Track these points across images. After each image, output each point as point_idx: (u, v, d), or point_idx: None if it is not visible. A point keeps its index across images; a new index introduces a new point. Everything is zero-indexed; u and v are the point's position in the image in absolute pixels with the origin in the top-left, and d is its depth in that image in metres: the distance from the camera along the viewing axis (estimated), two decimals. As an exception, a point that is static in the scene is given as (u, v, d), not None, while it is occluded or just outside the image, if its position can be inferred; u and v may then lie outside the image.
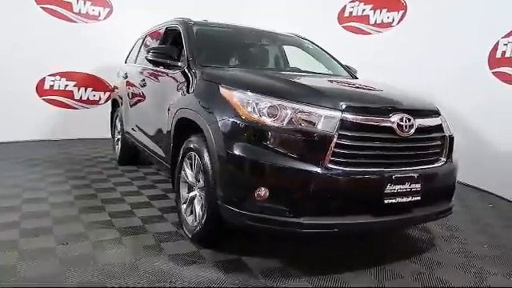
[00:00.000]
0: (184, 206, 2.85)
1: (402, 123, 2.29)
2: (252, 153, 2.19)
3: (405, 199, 2.31)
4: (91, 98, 6.96)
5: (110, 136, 6.47)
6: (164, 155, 3.27)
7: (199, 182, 2.67)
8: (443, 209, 2.58)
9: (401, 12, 6.01)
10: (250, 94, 2.32)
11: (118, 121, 5.11)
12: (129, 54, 5.33)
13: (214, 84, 2.61)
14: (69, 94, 6.74)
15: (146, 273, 2.25)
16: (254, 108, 2.25)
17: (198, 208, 2.65)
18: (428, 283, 2.33)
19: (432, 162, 2.49)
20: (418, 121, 2.38)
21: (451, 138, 2.60)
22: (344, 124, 2.17)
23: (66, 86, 6.72)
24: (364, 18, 6.45)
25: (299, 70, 3.70)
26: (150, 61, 3.24)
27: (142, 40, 4.84)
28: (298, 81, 2.87)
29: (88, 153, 5.67)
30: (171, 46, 3.24)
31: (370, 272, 2.42)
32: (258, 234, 2.77)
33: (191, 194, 2.78)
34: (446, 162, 2.56)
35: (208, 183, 2.44)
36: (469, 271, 2.52)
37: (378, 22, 6.29)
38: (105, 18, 6.92)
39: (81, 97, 6.88)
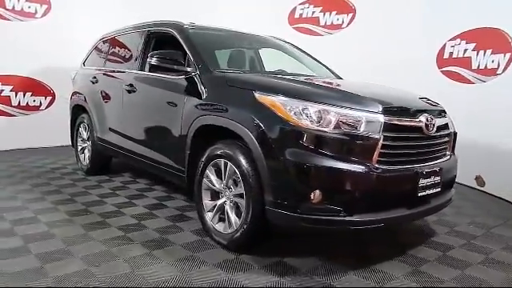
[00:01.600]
0: (209, 214, 2.82)
1: (428, 123, 2.54)
2: (305, 157, 2.26)
3: (431, 191, 2.57)
4: (31, 104, 6.38)
5: (59, 144, 6.05)
6: (175, 164, 3.17)
7: (230, 188, 2.67)
8: (450, 197, 2.90)
9: (350, 14, 6.42)
10: (294, 100, 2.38)
11: (82, 129, 4.77)
12: (87, 56, 4.99)
13: (245, 90, 2.62)
14: (5, 100, 6.08)
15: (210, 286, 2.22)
16: (300, 113, 2.32)
17: (232, 215, 2.65)
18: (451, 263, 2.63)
19: (444, 156, 2.79)
20: (437, 120, 2.65)
21: (455, 134, 2.93)
22: (386, 126, 2.35)
23: (2, 90, 6.06)
24: (314, 20, 6.76)
25: (296, 73, 3.78)
26: (153, 66, 3.10)
27: (107, 43, 4.57)
28: (330, 86, 2.97)
29: (43, 164, 5.20)
30: (177, 51, 3.14)
31: (402, 261, 2.64)
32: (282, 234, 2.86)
33: (219, 201, 2.76)
34: (451, 156, 2.89)
35: (250, 189, 2.46)
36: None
37: (328, 24, 6.65)
38: (42, 16, 6.35)
39: (19, 103, 6.25)
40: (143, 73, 3.66)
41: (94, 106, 4.43)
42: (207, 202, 2.85)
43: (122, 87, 3.83)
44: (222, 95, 2.76)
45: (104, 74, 4.34)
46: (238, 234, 2.57)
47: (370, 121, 2.32)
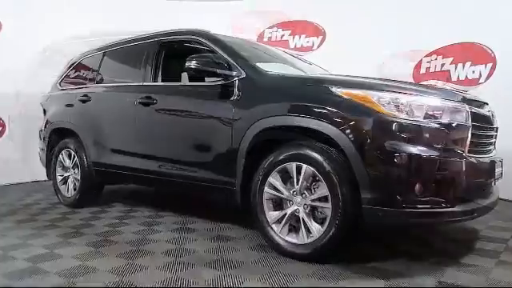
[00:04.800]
0: (275, 227, 2.56)
1: (493, 113, 2.61)
2: (407, 148, 2.17)
3: (497, 181, 2.62)
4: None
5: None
6: (221, 177, 2.86)
7: (304, 194, 2.46)
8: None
9: (320, 37, 6.64)
10: (385, 92, 2.30)
11: (65, 156, 4.19)
12: (63, 76, 4.50)
13: (321, 87, 2.48)
14: None
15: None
16: (394, 105, 2.24)
17: (311, 222, 2.42)
18: None
19: (495, 149, 2.87)
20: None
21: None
22: (471, 116, 2.36)
23: None
24: (284, 43, 6.87)
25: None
26: (193, 70, 2.84)
27: (95, 59, 4.15)
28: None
29: (9, 201, 4.45)
30: (216, 55, 2.92)
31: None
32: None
33: (288, 209, 2.52)
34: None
35: (336, 190, 2.29)
36: None
37: (297, 46, 6.79)
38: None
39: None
40: (165, 83, 3.36)
41: (86, 127, 3.93)
42: (271, 213, 2.60)
43: (132, 101, 3.44)
44: (288, 95, 2.59)
45: (101, 91, 3.89)
46: (324, 241, 2.34)
47: (459, 110, 2.32)
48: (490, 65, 4.73)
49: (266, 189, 2.60)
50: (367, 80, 2.57)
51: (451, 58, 5.14)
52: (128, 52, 3.86)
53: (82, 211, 3.92)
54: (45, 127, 4.46)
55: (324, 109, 2.38)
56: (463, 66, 5.00)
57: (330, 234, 2.32)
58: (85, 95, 3.98)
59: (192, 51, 3.28)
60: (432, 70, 5.37)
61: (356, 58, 5.86)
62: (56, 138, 4.35)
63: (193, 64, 2.82)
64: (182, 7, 6.94)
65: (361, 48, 5.94)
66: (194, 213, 3.69)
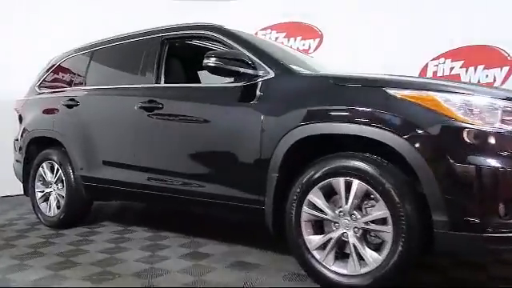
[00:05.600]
0: (318, 254, 2.15)
1: None
2: (492, 162, 1.81)
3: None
4: None
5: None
6: (246, 194, 2.43)
7: (353, 215, 2.07)
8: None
9: (317, 40, 6.32)
10: (454, 94, 1.94)
11: (46, 169, 3.64)
12: (43, 77, 3.96)
13: (371, 88, 2.10)
14: None
15: None
16: (466, 109, 1.89)
17: (364, 249, 2.03)
18: None
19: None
20: None
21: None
22: None
23: None
24: (279, 45, 6.50)
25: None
26: (211, 69, 2.41)
27: (83, 58, 3.64)
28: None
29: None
30: (239, 51, 2.50)
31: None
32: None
33: (334, 233, 2.12)
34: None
35: (401, 212, 1.90)
36: None
37: (294, 48, 6.43)
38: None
39: None
40: (173, 85, 2.90)
41: (73, 135, 3.40)
42: (311, 237, 2.19)
43: (131, 106, 2.96)
44: (329, 97, 2.19)
45: (91, 94, 3.38)
46: (384, 271, 1.95)
47: None
48: (506, 68, 4.51)
49: (305, 208, 2.19)
50: (425, 79, 2.22)
51: (461, 61, 4.90)
52: (123, 50, 3.37)
53: (68, 233, 3.38)
54: (21, 136, 3.89)
55: (381, 114, 1.99)
56: (475, 70, 4.76)
57: (391, 263, 1.93)
58: (71, 99, 3.46)
59: (200, 49, 2.89)
60: (440, 73, 5.12)
61: (355, 62, 5.57)
62: (35, 148, 3.79)
63: (212, 61, 2.39)
64: (173, 6, 6.48)
65: (360, 51, 5.66)
66: (201, 232, 3.22)
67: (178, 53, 3.08)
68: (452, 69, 4.99)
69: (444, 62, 5.08)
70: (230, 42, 2.67)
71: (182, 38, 3.08)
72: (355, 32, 5.81)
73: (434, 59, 5.19)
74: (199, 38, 2.95)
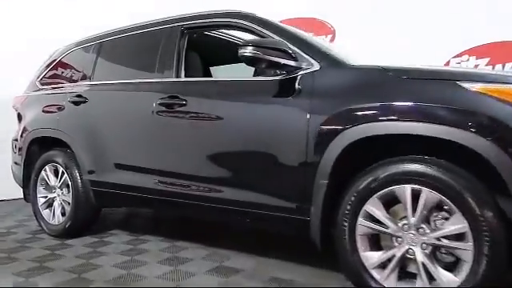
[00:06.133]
0: (377, 273, 1.87)
1: None
2: None
3: None
4: None
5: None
6: (286, 203, 2.13)
7: (421, 229, 1.78)
8: None
9: (329, 36, 6.04)
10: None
11: (49, 172, 3.30)
12: (46, 71, 3.63)
13: (445, 82, 1.82)
14: None
15: None
16: None
17: (436, 269, 1.74)
18: None
19: None
20: None
21: None
22: None
23: None
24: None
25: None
26: (248, 59, 2.12)
27: (91, 49, 3.31)
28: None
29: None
30: (280, 40, 2.20)
31: None
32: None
33: (397, 250, 1.83)
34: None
35: (485, 227, 1.63)
36: None
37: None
38: None
39: None
40: (199, 79, 2.61)
41: (81, 135, 3.08)
42: (368, 254, 1.90)
43: (149, 103, 2.65)
44: (391, 92, 1.90)
45: (101, 90, 3.06)
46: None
47: None
48: (539, 65, 4.27)
49: (361, 220, 1.90)
50: (498, 72, 1.94)
51: (487, 59, 4.65)
52: (136, 42, 3.06)
53: (74, 243, 3.06)
54: (21, 136, 3.54)
55: (457, 111, 1.71)
56: (503, 67, 4.51)
57: (471, 287, 1.65)
58: (78, 95, 3.13)
59: (224, 40, 2.58)
60: (463, 71, 4.86)
61: (370, 60, 5.31)
62: (37, 149, 3.45)
63: (248, 51, 2.09)
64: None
65: (375, 49, 5.38)
66: (226, 242, 2.92)
67: (199, 44, 2.77)
68: (477, 66, 4.74)
69: (468, 60, 4.83)
70: (264, 31, 2.37)
71: (204, 27, 2.78)
72: (369, 28, 5.54)
73: (456, 56, 4.93)
74: (226, 26, 2.65)
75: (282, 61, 2.12)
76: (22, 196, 3.57)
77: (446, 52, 4.97)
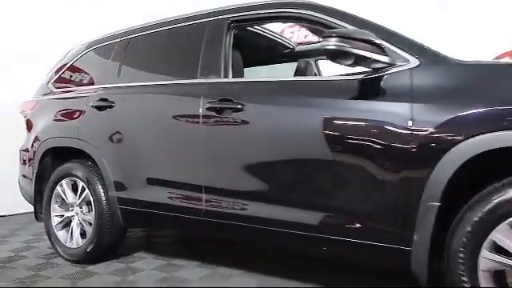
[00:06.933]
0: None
1: None
2: None
3: None
4: None
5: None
6: (385, 227, 1.75)
7: None
8: None
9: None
10: None
11: (66, 187, 2.88)
12: (60, 72, 3.22)
13: None
14: None
15: None
16: None
17: None
18: None
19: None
20: None
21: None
22: None
23: None
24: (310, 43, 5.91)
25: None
26: (332, 53, 1.74)
27: (115, 47, 2.91)
28: None
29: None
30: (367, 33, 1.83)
31: None
32: None
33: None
34: None
35: None
36: None
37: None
38: None
39: None
40: (260, 79, 2.28)
41: (107, 145, 2.66)
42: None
43: (194, 107, 2.26)
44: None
45: (132, 93, 2.65)
46: None
47: None
48: None
49: (485, 252, 1.53)
50: None
51: (531, 61, 4.35)
52: (172, 37, 2.67)
53: (98, 271, 2.63)
54: (31, 146, 3.11)
55: None
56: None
57: None
58: (103, 99, 2.72)
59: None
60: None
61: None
62: (50, 161, 3.02)
63: (332, 43, 1.72)
64: None
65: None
66: (275, 266, 2.53)
67: (240, 41, 2.41)
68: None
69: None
70: (339, 22, 1.99)
71: (256, 19, 2.40)
72: (391, 25, 5.23)
73: (497, 57, 4.62)
74: (283, 18, 2.27)
75: (374, 55, 1.74)
76: (33, 214, 3.12)
77: (485, 54, 4.67)
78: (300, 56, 3.38)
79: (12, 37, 4.38)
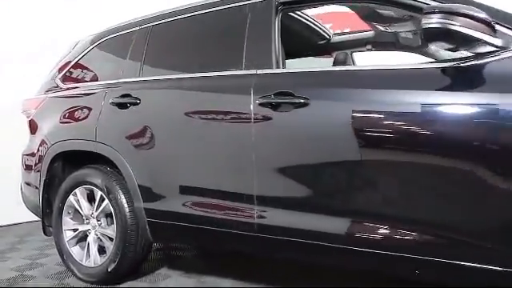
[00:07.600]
0: None
1: None
2: None
3: None
4: None
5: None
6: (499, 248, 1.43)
7: None
8: None
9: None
10: None
11: (80, 197, 2.50)
12: (70, 65, 2.84)
13: None
14: None
15: None
16: None
17: None
18: None
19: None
20: None
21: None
22: None
23: None
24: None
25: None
26: (432, 32, 1.42)
27: (134, 37, 2.54)
28: None
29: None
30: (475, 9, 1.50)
31: None
32: None
33: None
34: None
35: None
36: None
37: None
38: None
39: None
40: (326, 68, 1.95)
41: (131, 148, 2.29)
42: None
43: (243, 103, 1.91)
44: None
45: (160, 87, 2.30)
46: None
47: None
48: None
49: None
50: None
51: None
52: (206, 23, 2.31)
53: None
54: (37, 150, 2.72)
55: None
56: None
57: None
58: (125, 95, 2.35)
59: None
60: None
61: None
62: (61, 167, 2.64)
63: (435, 20, 1.41)
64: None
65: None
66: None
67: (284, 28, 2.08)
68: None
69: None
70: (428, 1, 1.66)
71: (310, 1, 2.06)
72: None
73: None
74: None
75: (485, 37, 1.42)
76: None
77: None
78: (335, 48, 3.07)
79: (12, 37, 4.11)
